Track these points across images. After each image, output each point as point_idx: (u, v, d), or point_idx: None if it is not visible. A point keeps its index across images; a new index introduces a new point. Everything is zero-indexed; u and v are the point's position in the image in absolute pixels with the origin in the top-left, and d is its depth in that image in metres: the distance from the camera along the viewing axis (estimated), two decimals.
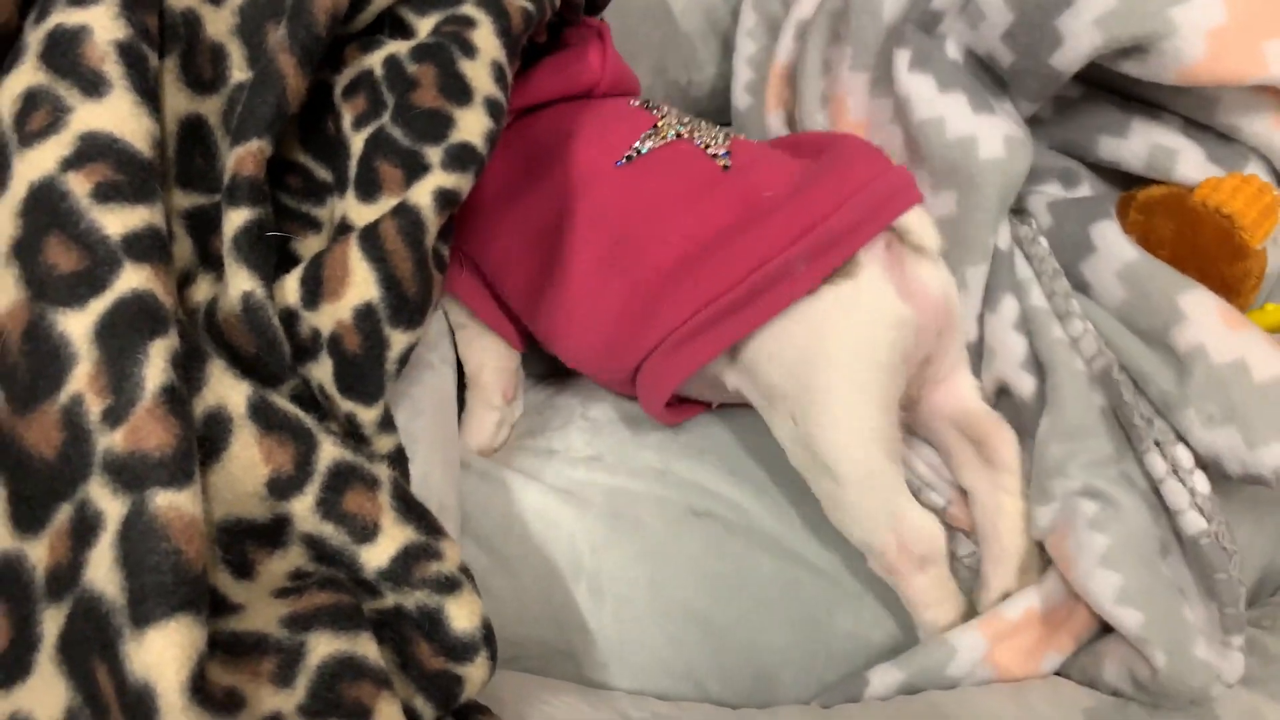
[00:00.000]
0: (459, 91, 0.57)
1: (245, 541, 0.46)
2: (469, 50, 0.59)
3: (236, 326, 0.51)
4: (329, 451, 0.48)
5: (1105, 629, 0.64)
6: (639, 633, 0.68)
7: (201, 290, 0.53)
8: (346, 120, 0.58)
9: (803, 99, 0.78)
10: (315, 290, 0.52)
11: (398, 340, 0.53)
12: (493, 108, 0.58)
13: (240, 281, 0.50)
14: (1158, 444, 0.62)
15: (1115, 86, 0.68)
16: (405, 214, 0.53)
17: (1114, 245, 0.65)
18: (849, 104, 0.74)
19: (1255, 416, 0.59)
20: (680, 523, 0.71)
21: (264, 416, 0.47)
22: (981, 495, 0.68)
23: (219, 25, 0.56)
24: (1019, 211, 0.70)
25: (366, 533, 0.48)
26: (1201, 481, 0.61)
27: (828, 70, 0.77)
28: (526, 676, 0.65)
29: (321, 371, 0.53)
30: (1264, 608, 0.71)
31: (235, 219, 0.51)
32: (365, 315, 0.52)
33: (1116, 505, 0.62)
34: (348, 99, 0.59)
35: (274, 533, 0.47)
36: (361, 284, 0.52)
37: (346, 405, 0.53)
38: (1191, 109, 0.65)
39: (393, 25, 0.62)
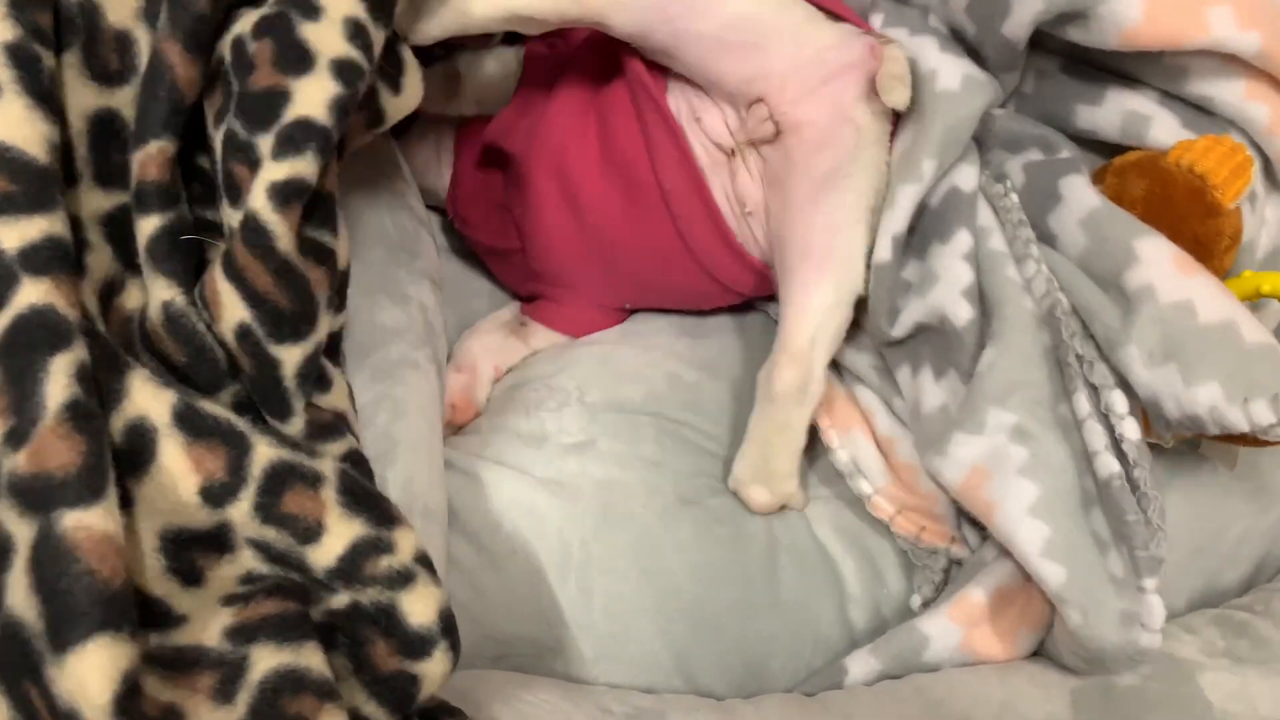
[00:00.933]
0: (297, 60, 0.51)
1: (192, 549, 0.45)
2: (311, 11, 0.52)
3: (163, 336, 0.49)
4: (264, 453, 0.46)
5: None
6: (629, 627, 0.67)
7: (133, 297, 0.51)
8: (209, 118, 0.53)
9: None
10: (205, 312, 0.50)
11: (289, 355, 0.50)
12: (342, 70, 0.51)
13: (159, 291, 0.49)
14: (1093, 386, 0.62)
15: (1091, 60, 0.68)
16: (248, 224, 0.49)
17: (1079, 195, 0.65)
18: None
19: (1195, 356, 0.59)
20: (670, 512, 0.70)
21: (190, 424, 0.45)
22: None
23: (121, 11, 0.52)
24: (999, 176, 0.70)
25: (310, 533, 0.46)
26: (1130, 427, 0.61)
27: None
28: (504, 675, 0.64)
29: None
30: (1256, 593, 0.71)
31: (145, 227, 0.49)
32: (244, 336, 0.49)
33: (1047, 453, 0.62)
34: (208, 95, 0.53)
35: (219, 539, 0.45)
36: (231, 305, 0.49)
37: (273, 422, 0.52)
38: (1163, 79, 0.66)
39: None
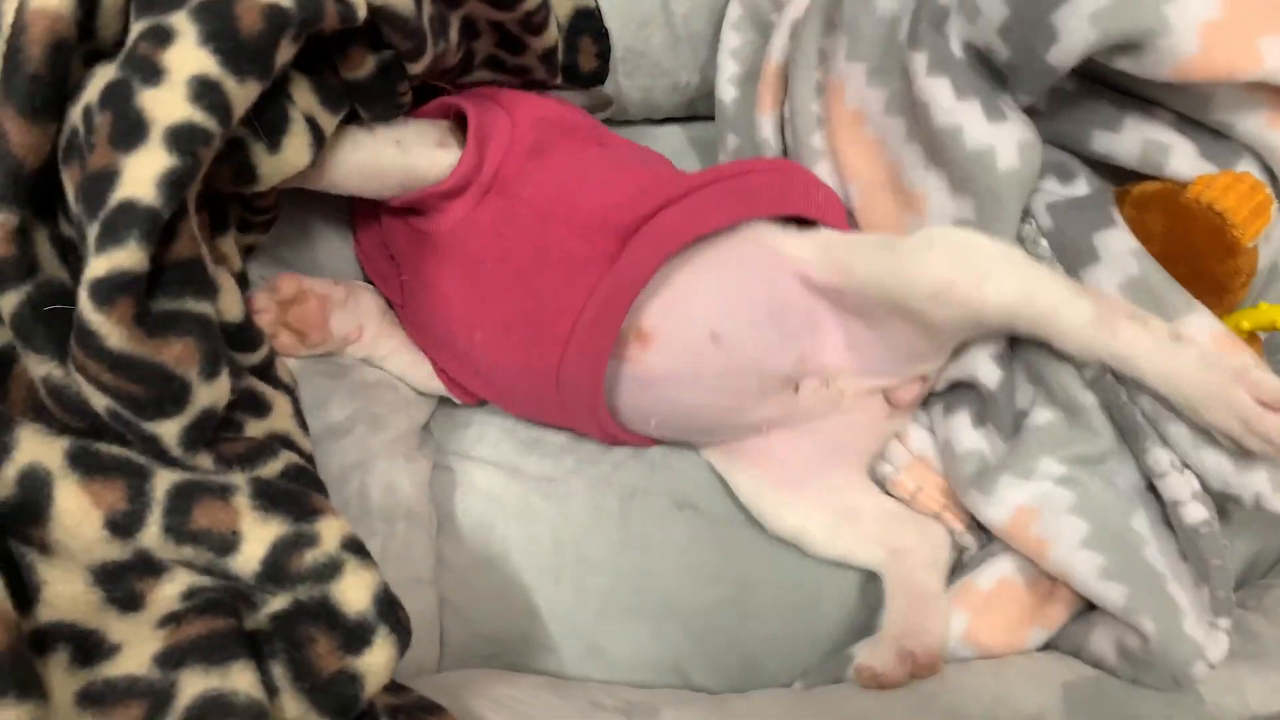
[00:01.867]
0: (129, 133, 0.45)
1: (126, 575, 0.45)
2: (153, 75, 0.46)
3: (54, 408, 0.48)
4: (165, 477, 0.46)
5: (1091, 606, 0.65)
6: (622, 627, 0.68)
7: (37, 369, 0.48)
8: (69, 194, 0.48)
9: (795, 88, 0.76)
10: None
11: (165, 429, 0.48)
12: (178, 138, 0.46)
13: (35, 367, 0.47)
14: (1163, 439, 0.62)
15: (1110, 81, 0.65)
16: (77, 324, 0.45)
17: (1119, 257, 0.63)
18: (846, 92, 0.72)
19: None
20: (664, 514, 0.71)
21: (84, 464, 0.44)
22: None
23: None
24: (1023, 215, 0.68)
25: (227, 543, 0.46)
26: (1194, 479, 0.61)
27: (823, 60, 0.75)
28: (491, 672, 0.65)
29: None
30: (1248, 589, 0.72)
31: (5, 305, 0.47)
32: (115, 418, 0.47)
33: (1093, 496, 0.63)
34: (66, 165, 0.49)
35: (147, 565, 0.45)
36: (91, 394, 0.47)
37: None
38: (1185, 105, 0.63)
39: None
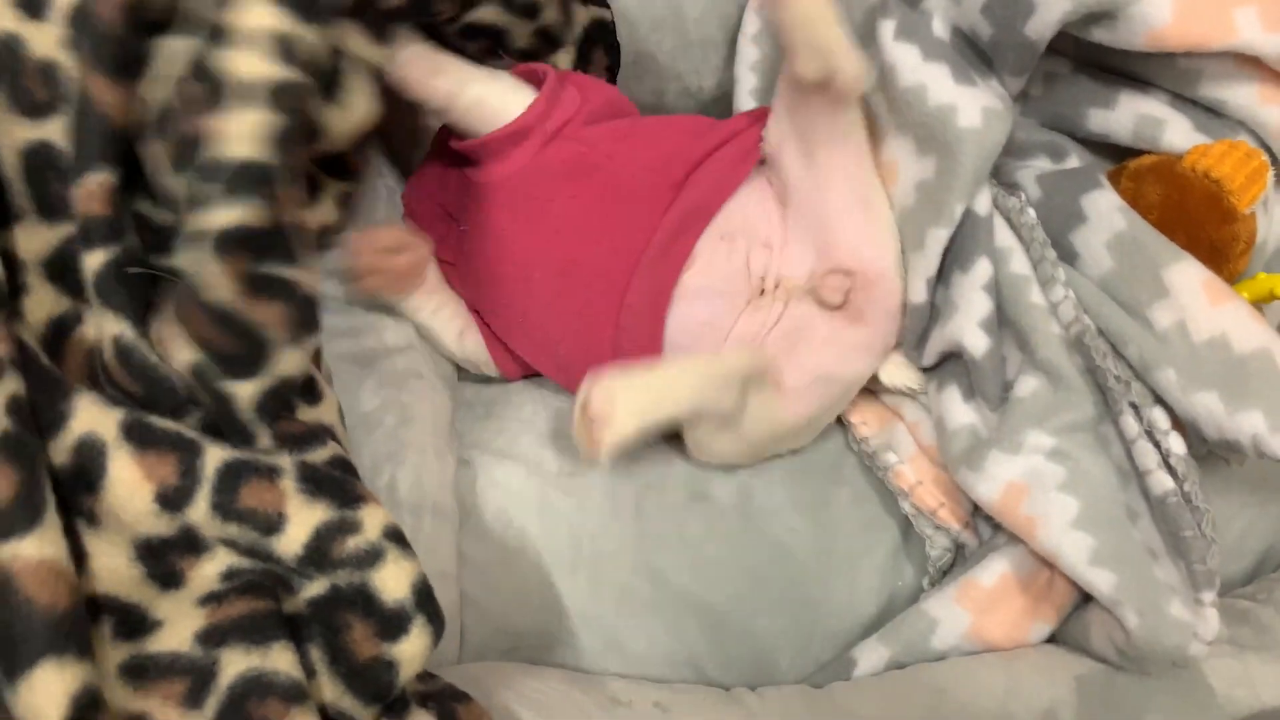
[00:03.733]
0: (214, 95, 0.46)
1: (169, 554, 0.45)
2: (225, 37, 0.47)
3: (117, 369, 0.48)
4: (215, 455, 0.46)
5: (1087, 596, 0.63)
6: (638, 621, 0.67)
7: (90, 332, 0.50)
8: (165, 160, 0.50)
9: None
10: (157, 347, 0.49)
11: (242, 390, 0.49)
12: (276, 95, 0.46)
13: (108, 325, 0.48)
14: (1134, 406, 0.61)
15: (1102, 63, 0.66)
16: (187, 273, 0.47)
17: (1105, 215, 0.63)
18: None
19: (1237, 384, 0.58)
20: (680, 508, 0.69)
21: (139, 436, 0.45)
22: None
23: (44, 41, 0.49)
24: (1009, 185, 0.68)
25: (272, 524, 0.46)
26: (1177, 442, 0.60)
27: None
28: (515, 665, 0.64)
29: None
30: (1260, 582, 0.71)
31: (91, 262, 0.48)
32: (200, 374, 0.48)
33: (1084, 470, 0.61)
34: (160, 134, 0.50)
35: (192, 541, 0.45)
36: (180, 345, 0.48)
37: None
38: (1176, 82, 0.64)
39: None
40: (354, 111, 0.57)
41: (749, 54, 0.84)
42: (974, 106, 0.63)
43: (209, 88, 0.47)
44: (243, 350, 0.48)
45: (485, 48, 0.73)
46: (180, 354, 0.48)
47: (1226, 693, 0.60)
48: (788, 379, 0.66)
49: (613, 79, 0.80)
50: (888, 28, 0.66)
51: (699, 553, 0.68)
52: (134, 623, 0.43)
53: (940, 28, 0.66)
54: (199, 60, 0.47)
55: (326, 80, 0.55)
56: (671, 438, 0.71)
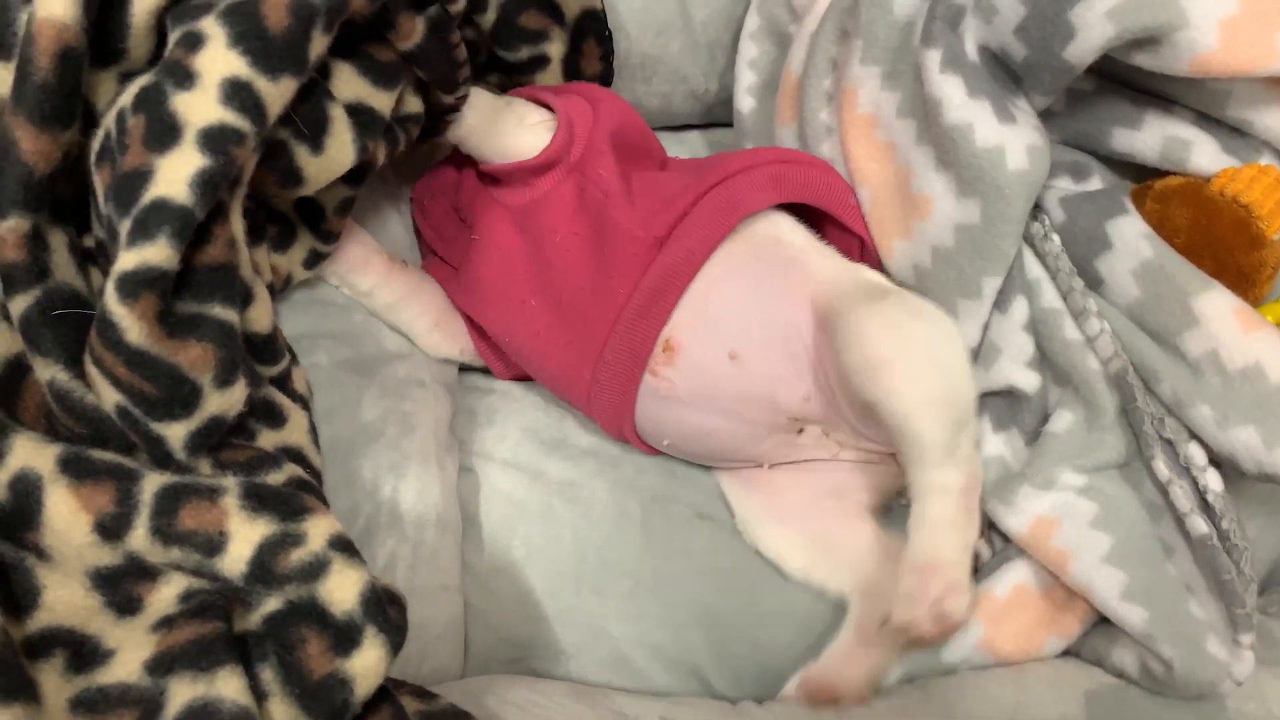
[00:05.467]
0: (163, 135, 0.46)
1: (124, 580, 0.44)
2: (186, 79, 0.47)
3: (59, 412, 0.47)
4: (153, 480, 0.45)
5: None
6: (643, 633, 0.66)
7: (43, 372, 0.48)
8: (99, 195, 0.49)
9: (806, 98, 0.74)
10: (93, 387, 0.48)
11: (172, 432, 0.47)
12: (210, 138, 0.46)
13: (41, 370, 0.47)
14: (1169, 442, 0.60)
15: (1128, 80, 0.64)
16: (100, 315, 0.45)
17: (1131, 242, 0.61)
18: (859, 97, 0.70)
19: (1273, 417, 0.57)
20: (685, 523, 0.69)
21: (75, 468, 0.44)
22: None
23: (5, 79, 0.48)
24: (1034, 213, 0.66)
25: (214, 544, 0.44)
26: (1214, 479, 0.59)
27: (834, 68, 0.73)
28: (518, 678, 0.63)
29: None
30: (1270, 595, 0.70)
31: (15, 309, 0.47)
32: (125, 416, 0.47)
33: (1117, 507, 0.61)
34: (98, 168, 0.49)
35: (142, 568, 0.44)
36: (103, 388, 0.46)
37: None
38: (1203, 103, 0.61)
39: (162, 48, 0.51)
40: (332, 158, 0.56)
41: (749, 51, 0.82)
42: (1019, 146, 0.61)
43: (151, 123, 0.46)
44: (165, 394, 0.46)
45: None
46: (105, 395, 0.46)
47: (1237, 708, 0.60)
48: None
49: (608, 69, 0.79)
50: (933, 58, 0.63)
51: (705, 566, 0.68)
52: (87, 654, 0.42)
53: (970, 47, 0.64)
54: (146, 95, 0.47)
55: (307, 127, 0.54)
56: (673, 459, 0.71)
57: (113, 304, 0.44)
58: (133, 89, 0.48)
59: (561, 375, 0.68)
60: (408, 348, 0.71)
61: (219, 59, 0.47)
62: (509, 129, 0.68)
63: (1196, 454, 0.60)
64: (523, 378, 0.75)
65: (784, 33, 0.81)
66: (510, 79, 0.75)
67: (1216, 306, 0.59)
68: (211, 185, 0.46)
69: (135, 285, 0.44)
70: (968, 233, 0.63)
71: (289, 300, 0.66)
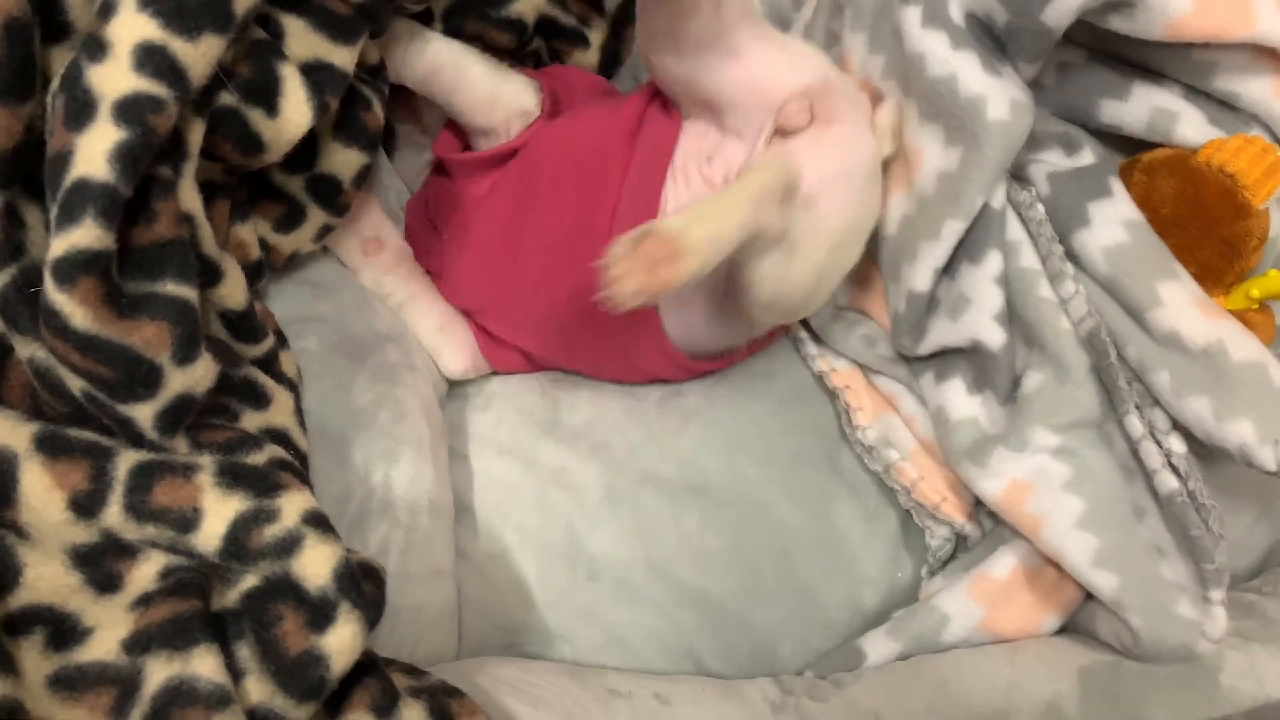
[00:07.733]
0: (79, 112, 0.43)
1: (104, 558, 0.43)
2: (99, 51, 0.44)
3: (41, 390, 0.46)
4: (127, 457, 0.44)
5: None
6: (637, 614, 0.66)
7: (23, 350, 0.47)
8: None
9: None
10: None
11: (139, 411, 0.45)
12: (126, 110, 0.44)
13: (21, 348, 0.45)
14: (1137, 406, 0.61)
15: (1116, 53, 0.64)
16: (44, 305, 0.43)
17: (1108, 224, 0.62)
18: (852, 64, 0.70)
19: (1227, 392, 0.57)
20: (676, 502, 0.68)
21: (50, 446, 0.43)
22: None
23: None
24: (1019, 178, 0.66)
25: (187, 521, 0.44)
26: (1177, 442, 0.60)
27: (834, 42, 0.73)
28: (511, 660, 0.63)
29: None
30: (1266, 575, 0.70)
31: None
32: (91, 399, 0.45)
33: (1090, 469, 0.61)
34: (47, 150, 0.46)
35: (120, 545, 0.44)
36: (66, 376, 0.45)
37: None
38: (1190, 74, 0.62)
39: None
40: (289, 121, 0.54)
41: None
42: (1002, 98, 0.60)
43: (69, 101, 0.44)
44: (123, 376, 0.44)
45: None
46: (69, 381, 0.45)
47: (1231, 685, 0.60)
48: (808, 185, 0.61)
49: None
50: (913, 14, 0.63)
51: (697, 545, 0.67)
52: (66, 632, 0.42)
53: (956, 13, 0.63)
54: (66, 73, 0.44)
55: (256, 90, 0.52)
56: (671, 425, 0.70)
57: (52, 292, 0.42)
58: (59, 68, 0.46)
59: (570, 319, 0.68)
60: (399, 329, 0.71)
61: (129, 24, 0.45)
62: (500, 70, 0.70)
63: (1160, 418, 0.60)
64: (522, 371, 0.75)
65: (786, 19, 0.81)
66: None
67: (1179, 293, 0.60)
68: (132, 158, 0.43)
69: (70, 270, 0.42)
70: (945, 179, 0.63)
71: (277, 283, 0.65)
